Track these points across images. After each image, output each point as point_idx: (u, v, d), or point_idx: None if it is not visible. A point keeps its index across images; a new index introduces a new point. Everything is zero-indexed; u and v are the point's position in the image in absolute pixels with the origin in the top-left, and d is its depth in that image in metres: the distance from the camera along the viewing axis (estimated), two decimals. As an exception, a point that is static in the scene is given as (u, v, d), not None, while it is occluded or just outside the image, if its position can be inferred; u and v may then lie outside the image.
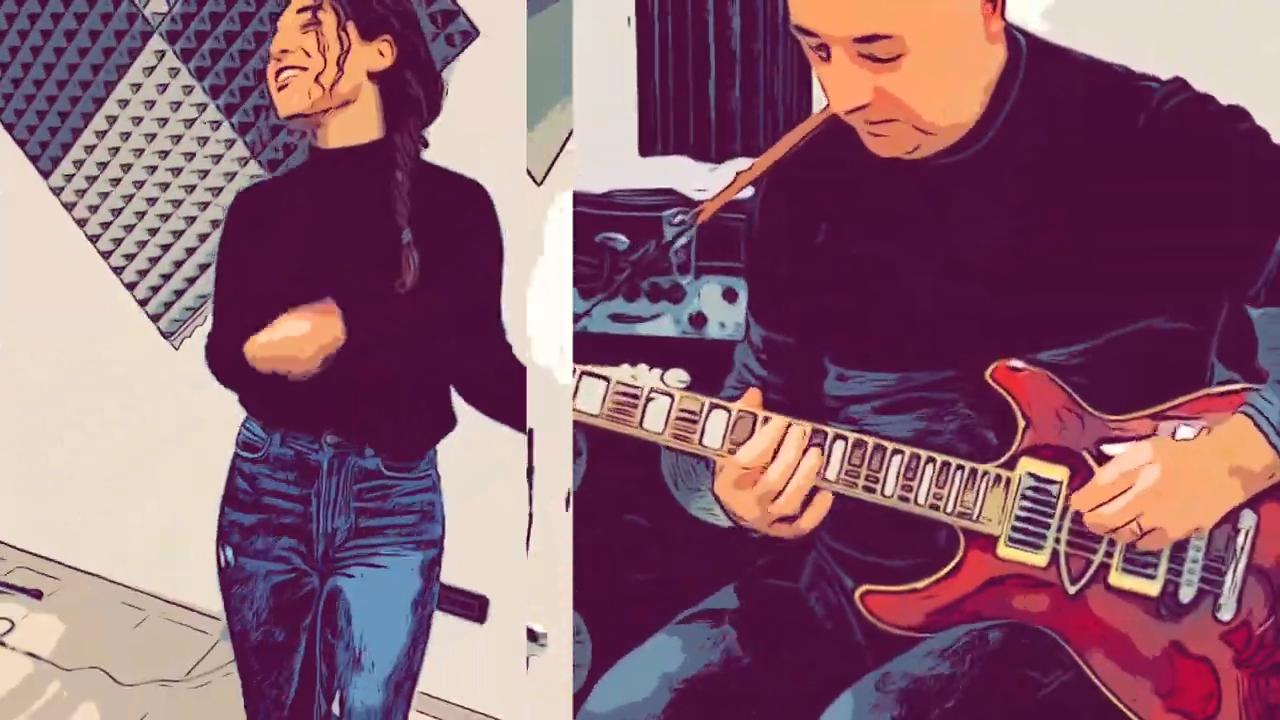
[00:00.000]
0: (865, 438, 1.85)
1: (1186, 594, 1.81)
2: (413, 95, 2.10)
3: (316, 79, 2.01)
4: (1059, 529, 1.82)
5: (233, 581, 2.11)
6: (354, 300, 1.97)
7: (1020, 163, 1.82)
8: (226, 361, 2.06)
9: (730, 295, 2.95)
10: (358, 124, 2.07)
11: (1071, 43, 1.88)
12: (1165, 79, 1.82)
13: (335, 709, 2.08)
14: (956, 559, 1.85)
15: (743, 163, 3.05)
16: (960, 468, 1.84)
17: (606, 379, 1.91)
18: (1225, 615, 1.81)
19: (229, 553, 2.10)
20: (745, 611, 1.98)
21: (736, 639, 1.94)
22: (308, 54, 2.01)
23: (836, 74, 1.75)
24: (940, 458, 1.84)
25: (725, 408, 1.88)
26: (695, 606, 2.00)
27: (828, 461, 1.85)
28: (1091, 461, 1.81)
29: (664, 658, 1.93)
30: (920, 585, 1.86)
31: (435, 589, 2.14)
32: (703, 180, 3.01)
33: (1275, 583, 1.80)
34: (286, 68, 2.03)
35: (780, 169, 1.95)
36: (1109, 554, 1.81)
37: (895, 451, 1.84)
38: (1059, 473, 1.82)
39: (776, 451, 1.84)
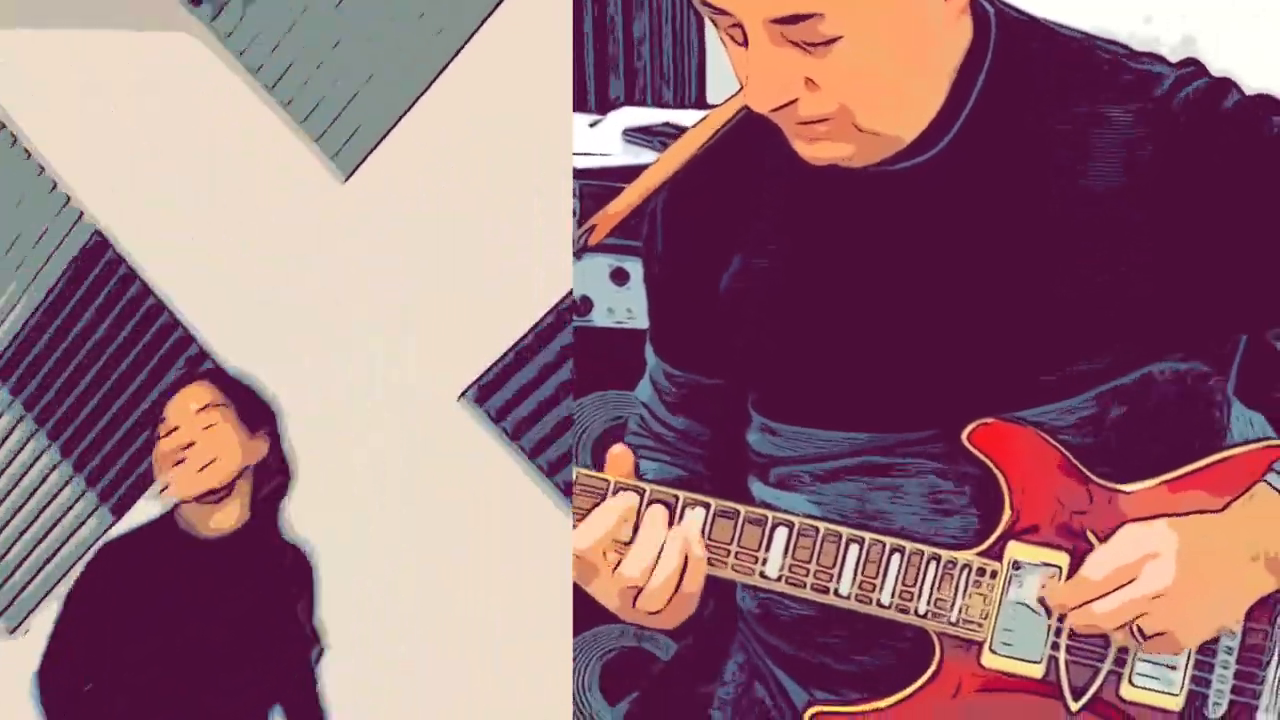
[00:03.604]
0: (813, 523, 1.47)
1: (1216, 709, 1.47)
2: (280, 479, 2.29)
3: (223, 470, 2.16)
4: (1057, 631, 1.46)
5: None
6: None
7: (992, 169, 1.45)
8: (53, 692, 2.23)
9: (619, 276, 2.57)
10: (233, 510, 2.21)
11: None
12: (1173, 60, 1.45)
13: None
14: (931, 669, 1.49)
15: (631, 114, 2.65)
16: (934, 558, 1.47)
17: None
18: (1263, 731, 1.47)
19: None
20: None
21: None
22: (209, 445, 2.15)
23: (755, 62, 1.36)
24: (908, 546, 1.47)
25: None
26: None
27: (767, 556, 1.47)
28: (1098, 544, 1.45)
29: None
30: (885, 704, 1.50)
31: None
32: (581, 139, 2.60)
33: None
34: (188, 458, 2.14)
35: (687, 174, 1.56)
36: (1120, 661, 1.46)
37: (852, 540, 1.47)
38: (1056, 559, 1.46)
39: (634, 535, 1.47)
